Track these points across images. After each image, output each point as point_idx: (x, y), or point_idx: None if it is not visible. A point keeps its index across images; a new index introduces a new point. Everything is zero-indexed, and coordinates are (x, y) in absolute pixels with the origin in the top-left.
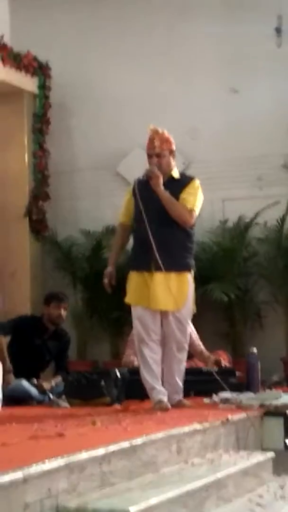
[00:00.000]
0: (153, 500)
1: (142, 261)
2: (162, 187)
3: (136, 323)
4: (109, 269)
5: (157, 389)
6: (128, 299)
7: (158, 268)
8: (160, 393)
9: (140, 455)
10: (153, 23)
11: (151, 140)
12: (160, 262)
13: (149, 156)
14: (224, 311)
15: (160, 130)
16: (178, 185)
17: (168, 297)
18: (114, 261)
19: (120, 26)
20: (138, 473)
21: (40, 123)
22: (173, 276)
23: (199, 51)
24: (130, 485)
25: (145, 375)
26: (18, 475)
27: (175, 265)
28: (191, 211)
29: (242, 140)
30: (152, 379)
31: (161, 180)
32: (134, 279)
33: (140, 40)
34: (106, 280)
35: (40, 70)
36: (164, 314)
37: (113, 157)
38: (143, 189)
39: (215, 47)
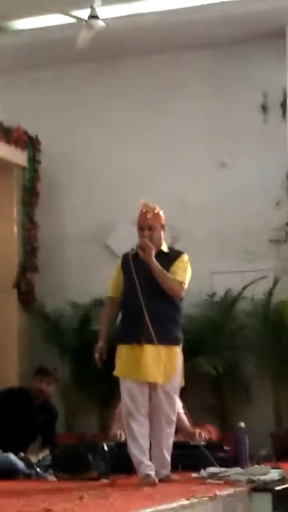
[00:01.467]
0: None
1: (132, 333)
2: (154, 259)
3: (124, 396)
4: (100, 343)
5: (144, 463)
6: (117, 372)
7: (149, 341)
8: (148, 468)
9: None
10: (143, 98)
11: (143, 213)
12: (152, 334)
13: (141, 228)
14: (212, 385)
15: (151, 205)
16: (167, 259)
17: (158, 369)
18: (104, 336)
19: (109, 101)
20: None
21: (29, 195)
22: (163, 349)
23: (187, 125)
24: None
25: (133, 450)
26: None
27: (166, 338)
28: (181, 283)
29: (229, 213)
30: (140, 454)
31: (153, 252)
32: (123, 352)
33: (130, 114)
34: (97, 355)
35: (30, 143)
36: (153, 387)
37: (101, 230)
38: (134, 262)
39: (203, 122)
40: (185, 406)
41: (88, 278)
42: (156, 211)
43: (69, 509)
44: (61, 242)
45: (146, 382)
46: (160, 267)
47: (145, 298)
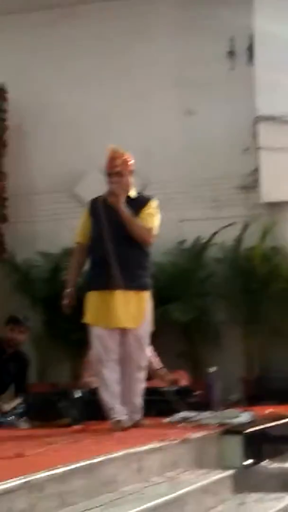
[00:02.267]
0: None
1: (102, 280)
2: (123, 205)
3: (95, 343)
4: (68, 289)
5: (116, 408)
6: (87, 319)
7: (118, 286)
8: (120, 413)
9: (99, 474)
10: (107, 44)
11: (112, 159)
12: (121, 280)
13: (109, 175)
14: (183, 332)
15: (120, 150)
16: (136, 205)
17: (128, 315)
18: (73, 282)
19: (76, 48)
20: (98, 492)
21: None
22: (132, 294)
23: (155, 72)
24: (89, 505)
25: (104, 396)
26: None
27: (135, 283)
28: (150, 230)
29: (198, 161)
30: (111, 399)
31: (123, 198)
32: (93, 299)
33: (95, 62)
34: (66, 301)
35: None
36: (123, 333)
37: (70, 179)
38: (102, 208)
39: (170, 69)
40: (157, 353)
41: (58, 227)
42: (124, 157)
43: (41, 453)
44: (30, 192)
45: (116, 328)
46: (129, 213)
47: (113, 244)
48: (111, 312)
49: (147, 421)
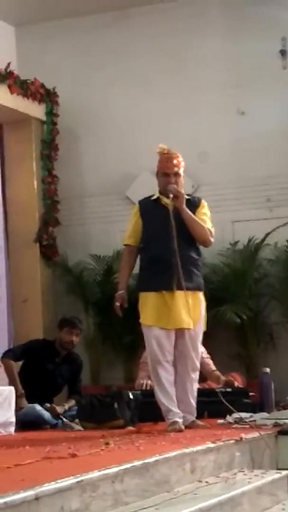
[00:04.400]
0: None
1: (162, 280)
2: (185, 205)
3: (152, 344)
4: (120, 292)
5: (173, 411)
6: (145, 320)
7: (179, 287)
8: (176, 415)
9: (153, 474)
10: (158, 46)
11: (169, 159)
12: (182, 280)
13: (167, 175)
14: (237, 333)
15: (172, 150)
16: (190, 206)
17: (187, 315)
18: (124, 284)
19: (126, 50)
20: (152, 492)
21: (48, 149)
22: (190, 294)
23: (205, 73)
24: (143, 504)
25: (161, 397)
26: (30, 493)
27: (192, 284)
28: (210, 230)
29: (250, 161)
30: (168, 401)
31: (183, 199)
32: (151, 299)
33: (146, 63)
34: (118, 303)
35: (47, 96)
36: (179, 333)
37: (121, 182)
38: (155, 208)
39: (221, 69)
40: (211, 355)
41: (110, 230)
42: (180, 158)
43: (95, 453)
44: (82, 195)
45: (174, 328)
46: (191, 213)
47: (174, 243)
48: (172, 312)
49: (201, 422)
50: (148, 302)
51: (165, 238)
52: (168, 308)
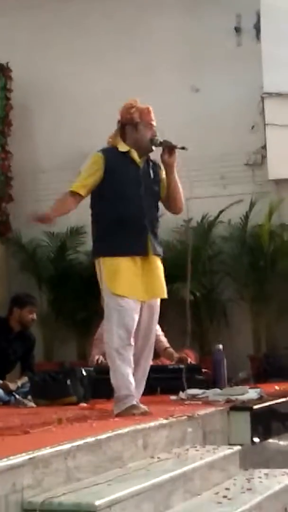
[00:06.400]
0: (119, 494)
1: (136, 243)
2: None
3: (124, 318)
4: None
5: (133, 395)
6: (117, 290)
7: (155, 251)
8: (134, 398)
9: (105, 450)
10: (115, 22)
11: (150, 112)
12: (155, 244)
13: (152, 126)
14: (190, 310)
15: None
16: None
17: (162, 282)
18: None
19: (82, 25)
20: (104, 468)
21: (2, 125)
22: (158, 260)
23: (159, 49)
24: (96, 480)
25: (121, 382)
26: None
27: (160, 247)
28: None
29: (205, 139)
30: (129, 386)
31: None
32: (124, 266)
33: (102, 39)
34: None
35: (0, 71)
36: (148, 305)
37: (75, 157)
38: (125, 162)
39: (175, 46)
40: (164, 332)
41: None
42: None
43: (47, 430)
44: (36, 171)
45: (155, 298)
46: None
47: (146, 204)
48: (149, 280)
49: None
50: (121, 270)
51: (135, 197)
52: (144, 275)
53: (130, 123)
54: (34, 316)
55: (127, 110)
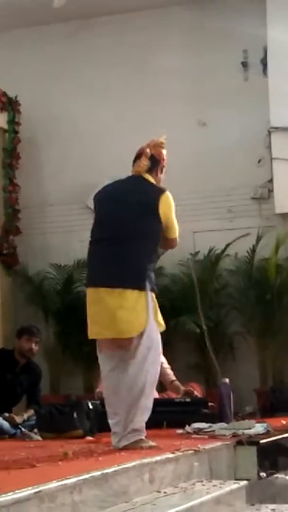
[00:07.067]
0: None
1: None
2: None
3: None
4: None
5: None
6: (161, 327)
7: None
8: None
9: (111, 484)
10: (121, 57)
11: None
12: None
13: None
14: (196, 343)
15: None
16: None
17: None
18: None
19: (90, 60)
20: (110, 503)
21: (10, 158)
22: None
23: (166, 84)
24: None
25: (146, 415)
26: None
27: None
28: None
29: (212, 172)
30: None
31: None
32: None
33: (108, 74)
34: None
35: (9, 105)
36: None
37: (83, 191)
38: None
39: (182, 80)
40: (170, 365)
41: (70, 239)
42: None
43: (53, 464)
44: (43, 204)
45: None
46: None
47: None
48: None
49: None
50: (156, 304)
51: None
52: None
53: (159, 164)
54: (33, 345)
55: (160, 148)
